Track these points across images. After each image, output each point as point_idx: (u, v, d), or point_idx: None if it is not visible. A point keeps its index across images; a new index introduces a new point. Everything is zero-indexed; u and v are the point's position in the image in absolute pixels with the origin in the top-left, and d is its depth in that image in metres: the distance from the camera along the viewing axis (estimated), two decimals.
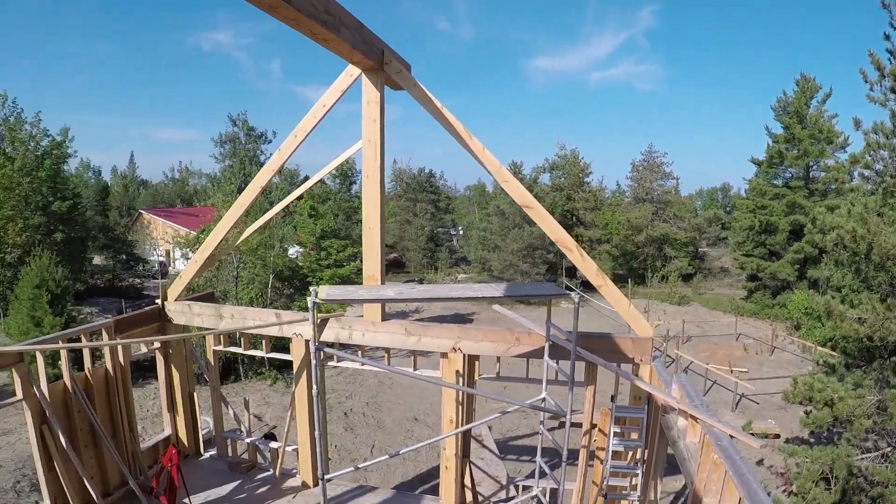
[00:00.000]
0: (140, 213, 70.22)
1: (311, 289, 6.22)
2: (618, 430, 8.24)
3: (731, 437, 5.77)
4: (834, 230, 14.93)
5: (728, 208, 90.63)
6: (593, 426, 8.97)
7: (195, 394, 11.60)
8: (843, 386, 15.30)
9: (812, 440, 19.59)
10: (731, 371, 28.53)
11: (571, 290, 8.13)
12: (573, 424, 8.01)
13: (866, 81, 15.23)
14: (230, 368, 28.39)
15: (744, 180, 54.52)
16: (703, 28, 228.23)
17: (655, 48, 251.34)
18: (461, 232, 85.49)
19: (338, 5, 6.64)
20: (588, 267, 8.23)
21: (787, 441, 19.76)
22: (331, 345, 9.51)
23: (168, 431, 11.51)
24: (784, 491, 18.14)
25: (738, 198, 61.48)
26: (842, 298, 17.73)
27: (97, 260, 54.21)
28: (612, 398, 8.63)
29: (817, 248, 40.00)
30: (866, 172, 16.71)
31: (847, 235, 14.41)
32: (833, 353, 23.81)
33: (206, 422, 13.01)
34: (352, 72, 8.70)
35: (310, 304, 6.10)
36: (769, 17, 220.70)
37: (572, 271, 50.56)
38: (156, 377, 12.26)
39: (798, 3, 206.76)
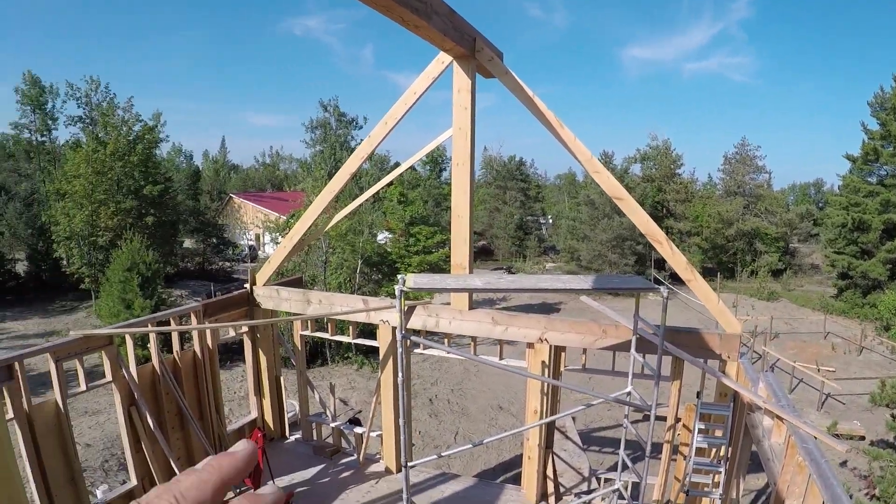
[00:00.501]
0: (231, 197, 71.66)
1: (399, 277, 6.27)
2: (702, 426, 8.10)
3: (816, 438, 5.64)
4: None
5: (820, 204, 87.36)
6: (677, 421, 8.83)
7: (282, 377, 11.86)
8: None
9: None
10: (819, 370, 27.75)
11: (660, 283, 8.00)
12: (657, 419, 7.90)
13: None
14: (317, 352, 29.00)
15: (837, 176, 52.91)
16: (799, 19, 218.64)
17: (751, 39, 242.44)
18: (550, 221, 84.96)
19: None
20: (678, 261, 8.09)
21: (871, 444, 19.12)
22: (417, 332, 9.59)
23: (254, 414, 11.79)
24: (867, 494, 17.65)
25: (831, 194, 59.69)
26: None
27: (188, 243, 55.73)
28: (698, 394, 8.49)
29: None
30: None
31: None
32: None
33: (291, 405, 13.29)
34: (443, 59, 8.69)
35: (397, 293, 6.15)
36: (867, 13, 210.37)
37: (661, 263, 49.79)
38: (243, 360, 12.61)
39: None
